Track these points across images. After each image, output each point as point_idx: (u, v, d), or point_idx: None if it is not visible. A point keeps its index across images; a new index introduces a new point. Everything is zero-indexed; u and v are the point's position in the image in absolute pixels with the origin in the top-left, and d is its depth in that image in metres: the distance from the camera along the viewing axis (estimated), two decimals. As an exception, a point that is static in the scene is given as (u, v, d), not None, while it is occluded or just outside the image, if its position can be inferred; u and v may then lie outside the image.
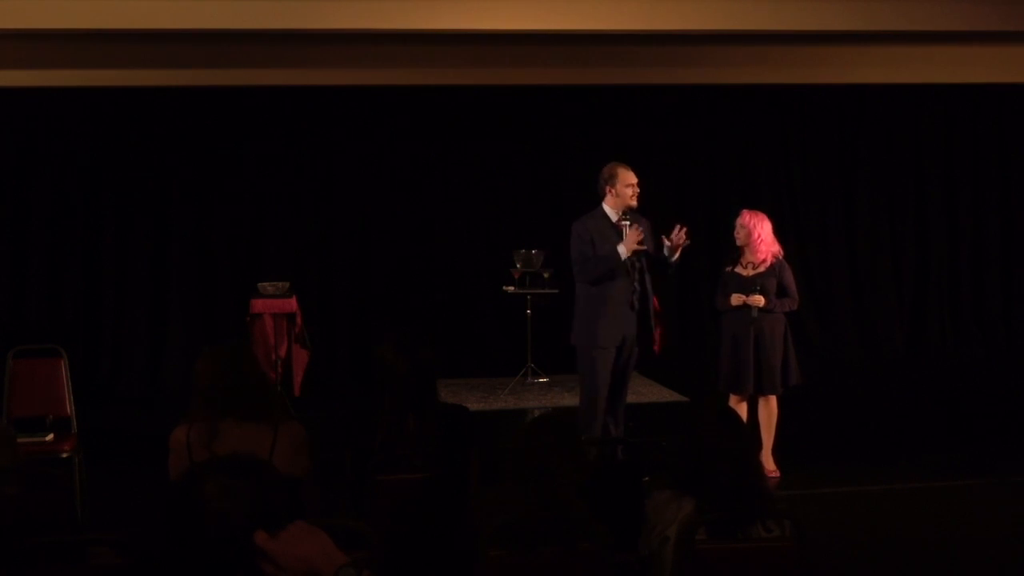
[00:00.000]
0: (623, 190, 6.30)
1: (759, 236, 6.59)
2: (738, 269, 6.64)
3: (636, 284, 6.30)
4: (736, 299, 6.51)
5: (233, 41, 7.62)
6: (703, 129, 11.00)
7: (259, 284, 8.64)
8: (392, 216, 10.42)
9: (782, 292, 6.62)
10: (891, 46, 8.35)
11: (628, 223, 6.25)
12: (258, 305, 8.39)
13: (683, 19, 7.15)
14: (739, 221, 6.67)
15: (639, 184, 6.36)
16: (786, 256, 6.81)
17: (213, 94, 9.54)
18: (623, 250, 6.19)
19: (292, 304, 8.43)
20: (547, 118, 10.47)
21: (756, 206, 7.00)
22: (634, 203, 6.32)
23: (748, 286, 6.53)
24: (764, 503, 3.37)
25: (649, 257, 6.36)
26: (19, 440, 4.22)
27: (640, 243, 6.20)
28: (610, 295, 6.27)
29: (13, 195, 9.88)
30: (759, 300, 6.49)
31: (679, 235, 6.24)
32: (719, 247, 9.22)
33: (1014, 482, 6.53)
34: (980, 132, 11.36)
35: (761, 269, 6.59)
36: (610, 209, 6.34)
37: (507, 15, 7.01)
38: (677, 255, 6.29)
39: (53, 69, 8.17)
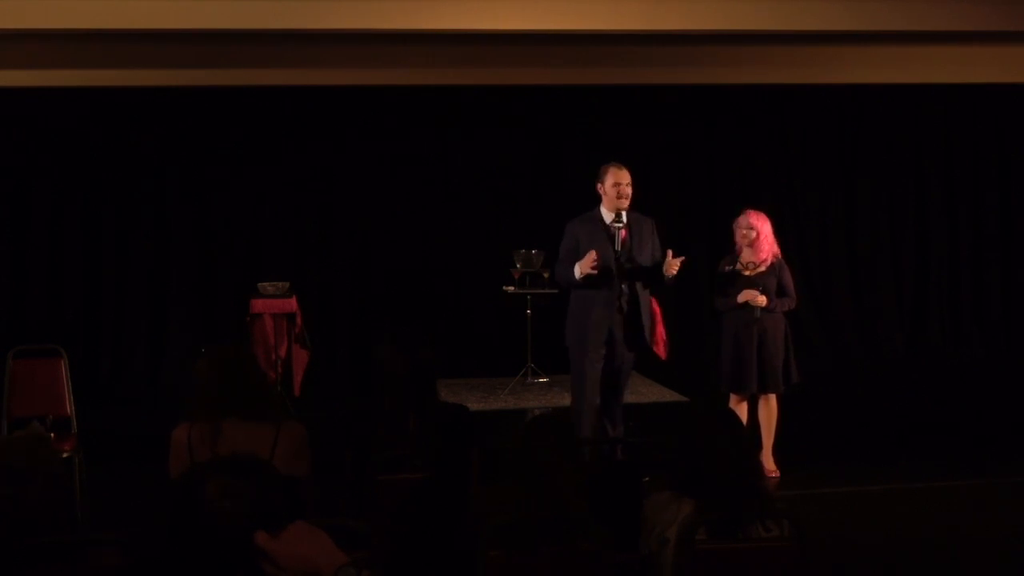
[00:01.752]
0: (609, 189, 6.28)
1: (764, 236, 6.60)
2: (739, 269, 6.63)
3: (624, 288, 6.26)
4: (743, 296, 6.50)
5: (233, 41, 7.62)
6: (703, 129, 10.99)
7: (259, 284, 8.64)
8: (392, 216, 10.42)
9: (781, 292, 6.63)
10: (891, 46, 8.35)
11: (620, 226, 6.23)
12: (258, 305, 8.39)
13: (683, 19, 7.16)
14: (746, 221, 6.63)
15: (633, 184, 6.31)
16: (784, 256, 6.82)
17: (213, 94, 9.53)
18: (577, 271, 6.18)
19: (292, 304, 8.44)
20: (547, 118, 10.47)
21: (756, 206, 6.99)
22: (621, 203, 6.25)
23: (752, 287, 6.52)
24: (764, 503, 3.37)
25: (641, 268, 6.31)
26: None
27: (594, 267, 6.10)
28: (595, 297, 6.26)
29: (13, 195, 9.88)
30: (762, 300, 6.49)
31: (673, 265, 6.20)
32: (719, 247, 9.22)
33: (1014, 482, 6.53)
34: (980, 132, 11.36)
35: (762, 269, 6.59)
36: (604, 210, 6.33)
37: (507, 15, 7.01)
38: (671, 278, 6.27)
39: (53, 69, 8.17)
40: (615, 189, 6.26)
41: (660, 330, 6.52)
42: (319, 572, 1.92)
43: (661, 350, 6.55)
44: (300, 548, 1.94)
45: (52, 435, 5.72)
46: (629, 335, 6.30)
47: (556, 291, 9.14)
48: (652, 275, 6.35)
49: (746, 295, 6.51)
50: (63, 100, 9.50)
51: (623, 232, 6.25)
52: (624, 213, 6.27)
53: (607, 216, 6.30)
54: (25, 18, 6.64)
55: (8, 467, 3.19)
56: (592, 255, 6.10)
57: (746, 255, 6.63)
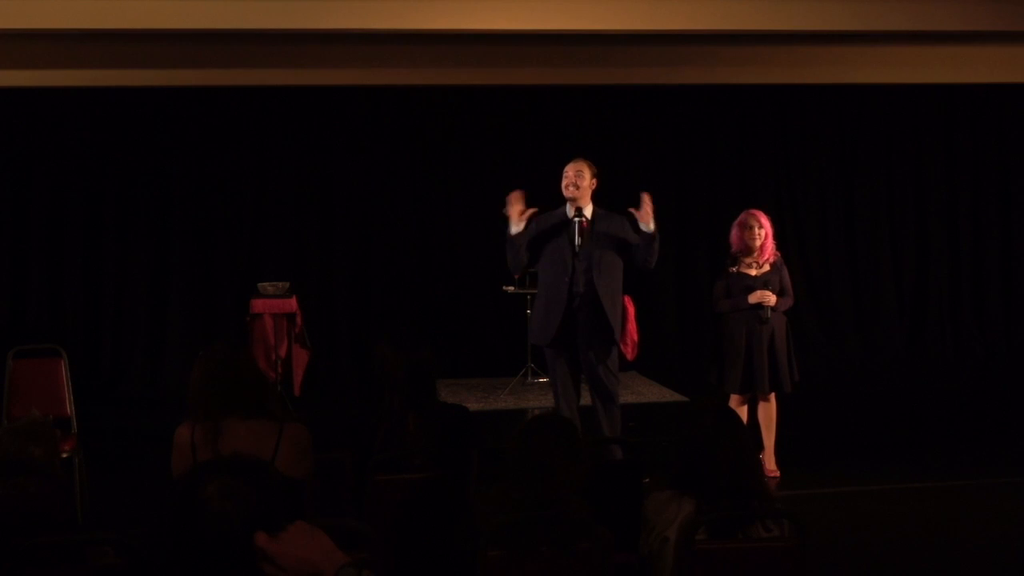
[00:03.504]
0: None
1: (770, 236, 6.61)
2: (743, 270, 6.62)
3: (581, 287, 6.15)
4: (756, 296, 6.49)
5: (233, 41, 7.62)
6: (703, 129, 10.99)
7: (259, 284, 8.65)
8: (392, 216, 10.42)
9: (782, 291, 6.63)
10: (891, 46, 8.34)
11: (580, 220, 6.20)
12: (258, 305, 8.40)
13: (683, 19, 7.15)
14: (757, 222, 6.60)
15: (604, 179, 6.37)
16: (784, 256, 6.83)
17: (213, 94, 9.54)
18: (512, 227, 6.16)
19: (292, 304, 8.44)
20: (547, 118, 10.47)
21: (756, 206, 7.00)
22: (567, 193, 6.22)
23: (761, 287, 6.52)
24: (764, 503, 3.37)
25: (626, 248, 6.25)
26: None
27: (517, 215, 6.11)
28: (547, 295, 6.28)
29: (13, 195, 9.88)
30: (774, 299, 6.49)
31: (645, 208, 6.09)
32: (719, 247, 9.22)
33: (1014, 482, 6.53)
34: (980, 132, 11.36)
35: (766, 268, 6.59)
36: (568, 205, 6.31)
37: (507, 15, 7.00)
38: (652, 225, 6.10)
39: (53, 69, 8.16)
40: (562, 181, 6.28)
41: (630, 329, 6.37)
42: (320, 572, 1.92)
43: (628, 351, 6.44)
44: (301, 549, 1.93)
45: (51, 417, 5.70)
46: (586, 333, 6.19)
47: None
48: (644, 244, 6.21)
49: (759, 295, 6.49)
50: (63, 100, 9.50)
51: (583, 223, 6.20)
52: (585, 209, 6.22)
53: (569, 210, 6.29)
54: (25, 18, 6.63)
55: (9, 454, 3.19)
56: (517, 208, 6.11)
57: (750, 255, 6.61)
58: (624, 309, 6.36)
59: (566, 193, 6.25)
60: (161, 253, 10.13)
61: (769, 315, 6.49)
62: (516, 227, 6.14)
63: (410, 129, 10.39)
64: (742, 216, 6.71)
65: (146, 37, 7.22)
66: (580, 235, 6.19)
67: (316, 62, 8.29)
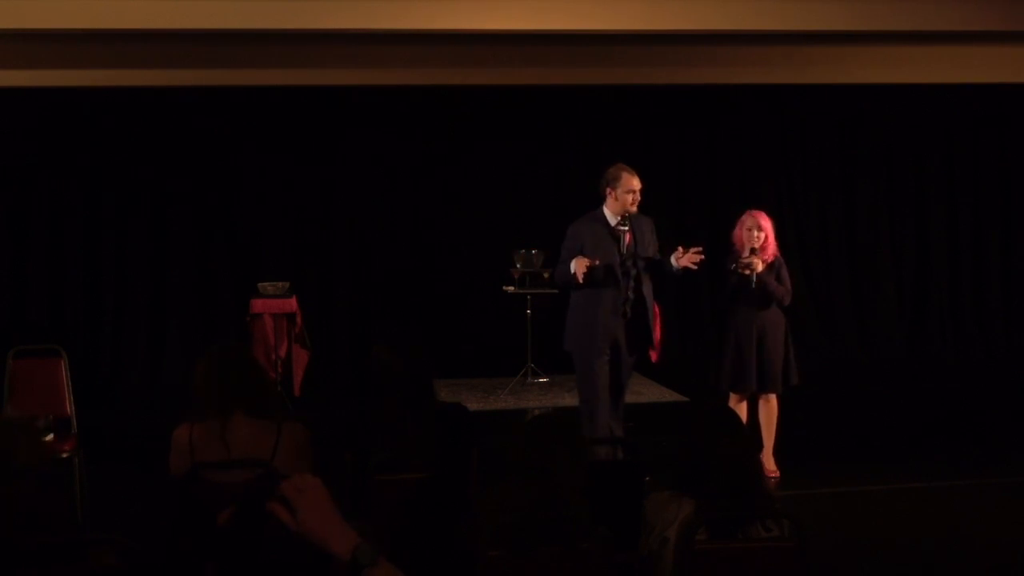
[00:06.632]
0: (624, 195, 6.22)
1: (771, 237, 6.61)
2: (736, 267, 6.62)
3: (630, 293, 6.23)
4: (739, 265, 6.47)
5: (233, 41, 7.62)
6: (703, 129, 10.99)
7: (259, 284, 8.65)
8: (392, 216, 10.43)
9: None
10: (891, 46, 8.34)
11: (626, 228, 6.21)
12: (258, 305, 8.40)
13: (683, 19, 7.15)
14: (755, 223, 6.58)
15: (642, 190, 6.30)
16: (784, 256, 6.82)
17: (213, 94, 9.53)
18: (574, 266, 6.11)
19: (292, 304, 8.44)
20: (547, 118, 10.47)
21: (756, 206, 6.99)
22: (634, 209, 6.24)
23: (745, 281, 6.51)
24: (764, 503, 3.37)
25: (648, 261, 6.32)
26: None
27: (590, 267, 6.05)
28: (599, 303, 6.21)
29: (13, 195, 9.88)
30: (757, 263, 6.45)
31: (692, 256, 6.15)
32: (719, 247, 9.21)
33: (1014, 482, 6.53)
34: (980, 132, 11.35)
35: (761, 268, 6.59)
36: (609, 212, 6.29)
37: (507, 15, 7.01)
38: (681, 270, 6.21)
39: (53, 69, 8.16)
40: (630, 195, 6.21)
41: (657, 332, 6.49)
42: (331, 551, 1.89)
43: (654, 354, 6.52)
44: (317, 524, 1.91)
45: (52, 435, 5.71)
46: (633, 338, 6.29)
47: (556, 291, 9.14)
48: (658, 268, 6.32)
49: (741, 264, 6.48)
50: (63, 100, 9.49)
51: (627, 235, 6.23)
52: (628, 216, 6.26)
53: (611, 219, 6.27)
54: (25, 18, 6.64)
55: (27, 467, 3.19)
56: (586, 261, 6.06)
57: (748, 254, 6.62)
58: (655, 314, 6.43)
59: (631, 208, 6.21)
60: (161, 253, 10.13)
61: (755, 282, 6.46)
62: (576, 271, 6.08)
63: (410, 129, 10.39)
64: (744, 216, 6.71)
65: (146, 37, 7.23)
66: (626, 245, 6.23)
67: (316, 62, 8.29)
